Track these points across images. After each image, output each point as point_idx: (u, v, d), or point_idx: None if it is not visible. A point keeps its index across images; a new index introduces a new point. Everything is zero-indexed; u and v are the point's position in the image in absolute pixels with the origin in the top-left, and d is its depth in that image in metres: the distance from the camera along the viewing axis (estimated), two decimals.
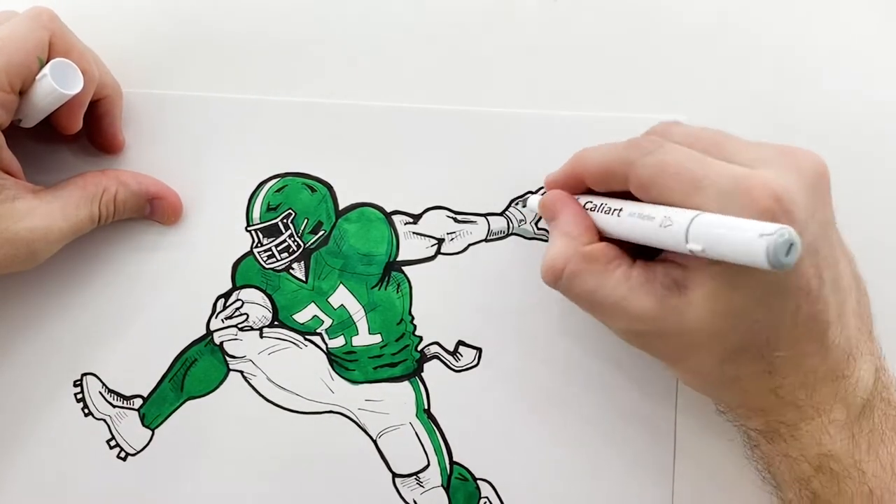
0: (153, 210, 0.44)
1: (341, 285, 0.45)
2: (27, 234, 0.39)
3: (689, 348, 0.36)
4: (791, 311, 0.34)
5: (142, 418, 0.45)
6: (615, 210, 0.37)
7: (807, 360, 0.35)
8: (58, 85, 0.39)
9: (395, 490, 0.44)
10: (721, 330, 0.34)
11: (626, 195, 0.37)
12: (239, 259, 0.45)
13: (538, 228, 0.45)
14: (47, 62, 0.39)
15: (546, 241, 0.45)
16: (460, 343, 0.45)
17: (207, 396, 0.45)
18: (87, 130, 0.44)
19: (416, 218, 0.45)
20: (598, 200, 0.39)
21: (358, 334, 0.45)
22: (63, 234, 0.41)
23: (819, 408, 0.36)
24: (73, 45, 0.40)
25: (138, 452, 0.44)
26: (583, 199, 0.39)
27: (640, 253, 0.37)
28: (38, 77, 0.39)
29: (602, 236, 0.38)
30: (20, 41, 0.38)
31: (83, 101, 0.41)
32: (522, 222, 0.45)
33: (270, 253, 0.45)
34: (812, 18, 0.46)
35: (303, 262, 0.45)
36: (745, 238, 0.30)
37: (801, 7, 0.46)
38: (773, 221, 0.31)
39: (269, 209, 0.45)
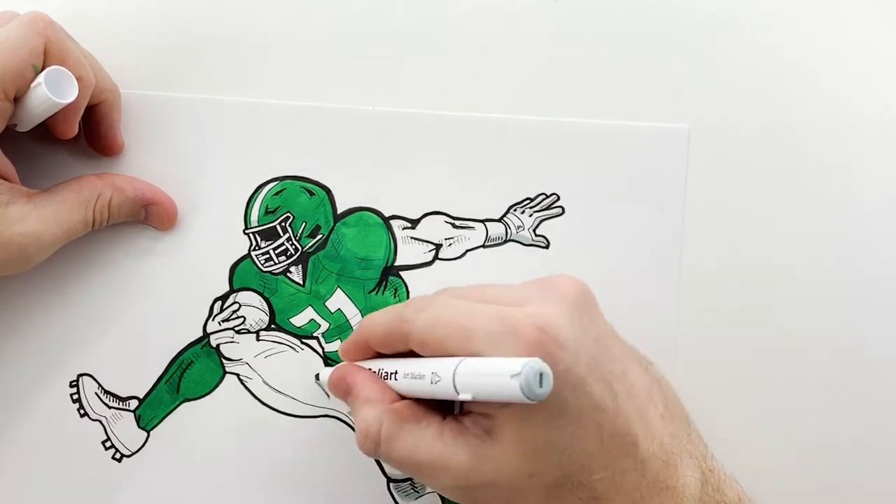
0: (148, 215, 0.44)
1: (338, 289, 0.45)
2: (20, 238, 0.39)
3: (513, 493, 0.35)
4: (593, 431, 0.34)
5: (137, 420, 0.45)
6: (391, 374, 0.37)
7: (626, 478, 0.35)
8: (52, 93, 0.38)
9: (389, 494, 0.44)
10: (536, 468, 0.34)
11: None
12: (237, 262, 0.45)
13: (536, 235, 0.45)
14: (42, 69, 0.39)
15: (544, 247, 0.45)
16: None
17: (203, 399, 0.45)
18: (86, 133, 0.44)
19: (414, 223, 0.45)
20: (376, 366, 0.38)
21: None
22: (56, 238, 0.41)
23: None
24: (68, 51, 0.40)
25: (134, 454, 0.44)
26: (374, 367, 0.39)
27: (446, 403, 0.37)
28: (32, 85, 0.39)
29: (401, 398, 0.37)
30: (15, 48, 0.38)
31: (78, 108, 0.41)
32: (520, 228, 0.45)
33: (268, 256, 0.45)
34: (813, 24, 0.46)
35: (300, 266, 0.45)
36: (499, 382, 0.31)
37: (804, 13, 0.46)
38: (543, 352, 0.32)
39: (268, 212, 0.45)
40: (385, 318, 0.38)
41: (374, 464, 0.44)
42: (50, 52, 0.39)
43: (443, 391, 0.33)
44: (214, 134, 0.45)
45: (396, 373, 0.37)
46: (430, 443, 0.35)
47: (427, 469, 0.35)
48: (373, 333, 0.39)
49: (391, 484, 0.44)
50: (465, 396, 0.32)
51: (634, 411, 0.35)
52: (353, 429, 0.44)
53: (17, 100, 0.39)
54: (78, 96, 0.39)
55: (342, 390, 0.39)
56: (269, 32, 0.46)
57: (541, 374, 0.30)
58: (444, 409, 0.37)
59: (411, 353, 0.37)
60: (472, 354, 0.33)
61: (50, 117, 0.41)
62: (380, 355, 0.39)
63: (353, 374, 0.39)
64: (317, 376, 0.44)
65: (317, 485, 0.44)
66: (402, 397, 0.37)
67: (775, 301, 0.44)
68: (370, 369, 0.39)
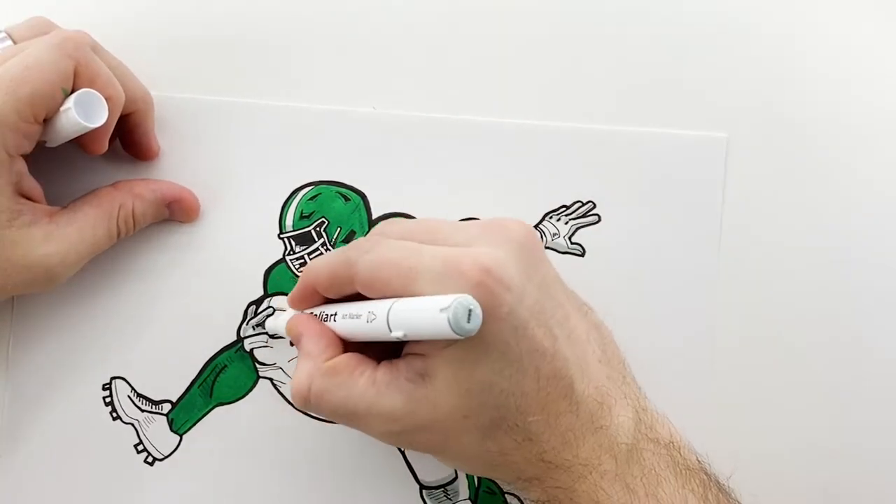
0: (172, 212, 0.44)
1: None
2: (44, 259, 0.39)
3: (448, 435, 0.35)
4: (531, 374, 0.35)
5: (170, 423, 0.44)
6: (331, 315, 0.38)
7: (561, 420, 0.35)
8: (81, 118, 0.38)
9: (422, 501, 0.44)
10: (471, 409, 0.35)
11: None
12: (271, 266, 0.45)
13: (572, 243, 0.45)
14: (72, 92, 0.38)
15: (580, 255, 0.44)
16: None
17: (236, 403, 0.44)
18: (121, 139, 0.44)
19: None
20: (318, 310, 0.39)
21: None
22: (81, 255, 0.41)
23: (587, 464, 0.35)
24: (98, 72, 0.39)
25: (166, 457, 0.44)
26: (316, 311, 0.39)
27: (391, 352, 0.37)
28: (62, 109, 0.38)
29: (346, 346, 0.38)
30: (44, 72, 0.37)
31: (108, 127, 0.40)
32: (556, 236, 0.45)
33: (303, 261, 0.45)
34: (861, 36, 0.45)
35: None
36: (429, 316, 0.31)
37: (850, 26, 0.45)
38: (487, 293, 0.33)
39: (303, 217, 0.45)
40: (330, 261, 0.38)
41: (407, 471, 0.44)
42: (79, 74, 0.39)
43: (377, 330, 0.34)
44: (250, 138, 0.45)
45: (336, 314, 0.37)
46: (363, 391, 0.35)
47: (361, 418, 0.36)
48: (318, 278, 0.38)
49: (424, 491, 0.44)
50: (397, 334, 0.33)
51: (572, 355, 0.36)
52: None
53: (46, 121, 0.39)
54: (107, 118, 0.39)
55: (295, 337, 0.39)
56: (308, 35, 0.46)
57: (469, 310, 0.30)
58: (390, 356, 0.37)
59: (358, 297, 0.37)
60: (415, 295, 0.34)
61: (80, 136, 0.40)
62: (328, 301, 0.39)
63: (303, 324, 0.39)
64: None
65: (349, 491, 0.44)
66: (346, 346, 0.37)
67: (815, 312, 0.44)
68: (313, 313, 0.39)
